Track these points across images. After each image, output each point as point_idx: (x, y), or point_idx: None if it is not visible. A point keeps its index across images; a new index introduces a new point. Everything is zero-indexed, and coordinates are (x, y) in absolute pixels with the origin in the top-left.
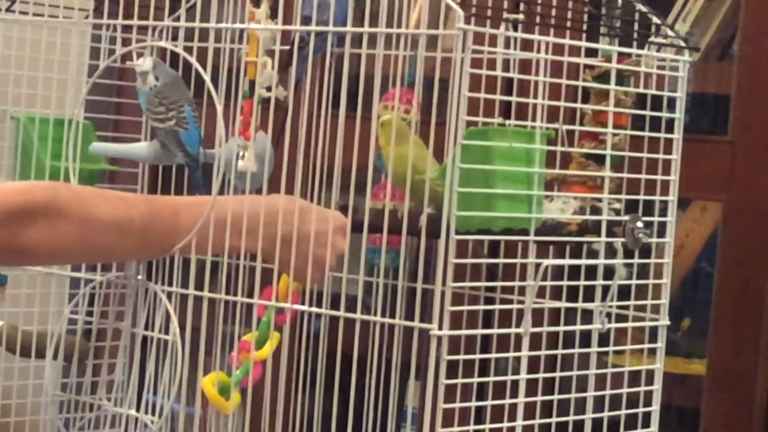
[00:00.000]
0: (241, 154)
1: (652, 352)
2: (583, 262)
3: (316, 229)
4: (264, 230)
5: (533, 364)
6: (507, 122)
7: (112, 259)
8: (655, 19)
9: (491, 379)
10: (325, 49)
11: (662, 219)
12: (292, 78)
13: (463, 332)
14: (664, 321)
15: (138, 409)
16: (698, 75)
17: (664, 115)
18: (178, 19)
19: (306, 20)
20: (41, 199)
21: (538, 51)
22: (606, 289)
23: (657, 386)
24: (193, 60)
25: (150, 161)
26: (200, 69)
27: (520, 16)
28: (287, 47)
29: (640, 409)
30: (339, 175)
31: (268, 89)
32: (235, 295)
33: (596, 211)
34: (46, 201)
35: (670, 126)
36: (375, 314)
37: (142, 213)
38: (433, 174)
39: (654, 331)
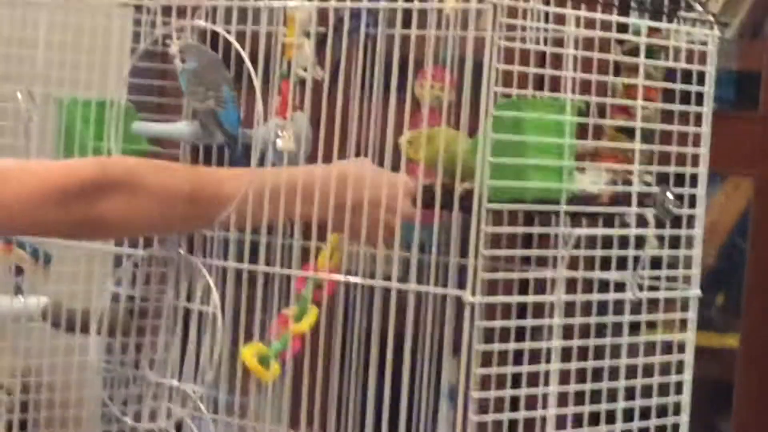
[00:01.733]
0: (279, 133)
1: (685, 324)
2: (615, 231)
3: (386, 194)
4: (335, 197)
5: (567, 334)
6: (539, 95)
7: (174, 230)
8: None
9: (525, 345)
10: (363, 28)
11: (692, 191)
12: (328, 58)
13: (496, 299)
14: (696, 292)
15: (180, 380)
16: (731, 53)
17: (693, 88)
18: None
19: None
20: (117, 172)
21: (570, 25)
22: (637, 260)
23: (689, 356)
24: (232, 40)
25: (191, 140)
26: (240, 49)
27: None
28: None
29: (672, 377)
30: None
31: (305, 69)
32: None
33: (627, 183)
34: (121, 174)
35: (699, 100)
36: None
37: (193, 183)
38: (466, 148)
39: (686, 303)
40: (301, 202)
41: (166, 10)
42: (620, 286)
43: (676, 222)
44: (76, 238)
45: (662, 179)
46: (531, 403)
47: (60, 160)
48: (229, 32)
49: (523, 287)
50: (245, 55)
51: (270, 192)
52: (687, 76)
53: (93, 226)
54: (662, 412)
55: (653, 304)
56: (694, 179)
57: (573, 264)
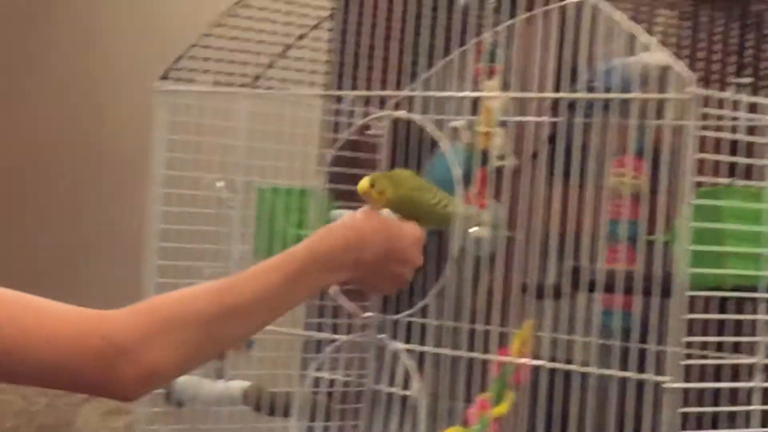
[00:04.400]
0: (475, 221)
1: None
2: None
3: (395, 247)
4: (351, 260)
5: (766, 420)
6: (734, 182)
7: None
8: None
9: None
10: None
11: None
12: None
13: (695, 385)
14: None
15: None
16: None
17: None
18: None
19: (591, 88)
20: (123, 337)
21: (766, 113)
22: None
23: None
24: (432, 129)
25: None
26: (439, 136)
27: (747, 80)
28: (523, 117)
29: None
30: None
31: (501, 158)
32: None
33: None
34: (138, 328)
35: None
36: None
37: (219, 296)
38: (435, 199)
39: None
40: (329, 270)
41: (365, 101)
42: None
43: None
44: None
45: None
46: None
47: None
48: (426, 121)
49: (717, 373)
50: (444, 143)
51: (299, 275)
52: None
53: (145, 383)
54: None
55: None
56: None
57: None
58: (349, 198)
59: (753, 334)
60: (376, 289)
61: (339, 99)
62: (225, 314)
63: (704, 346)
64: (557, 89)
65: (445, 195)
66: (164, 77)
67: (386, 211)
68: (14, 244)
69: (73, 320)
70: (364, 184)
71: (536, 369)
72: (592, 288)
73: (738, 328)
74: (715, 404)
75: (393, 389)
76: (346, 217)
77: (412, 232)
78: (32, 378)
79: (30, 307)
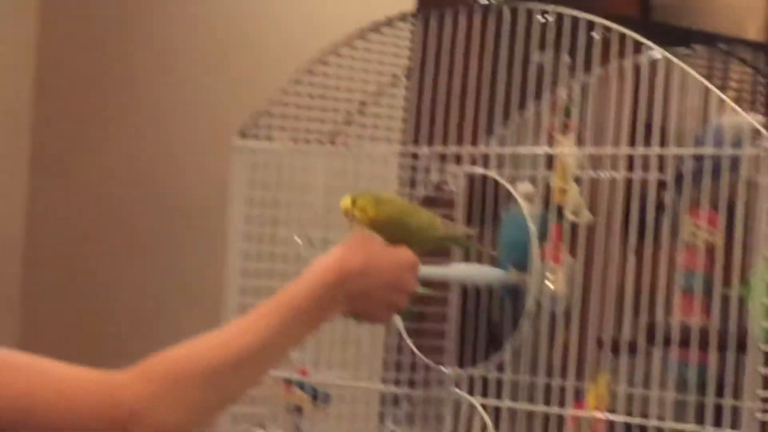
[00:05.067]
0: (550, 276)
1: None
2: None
3: (390, 276)
4: (347, 293)
5: None
6: None
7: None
8: None
9: None
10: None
11: None
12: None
13: None
14: None
15: None
16: None
17: None
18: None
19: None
20: (132, 401)
21: None
22: None
23: None
24: (507, 184)
25: (466, 282)
26: (515, 193)
27: None
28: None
29: None
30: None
31: (575, 214)
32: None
33: None
34: (139, 393)
35: None
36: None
37: (223, 349)
38: (423, 221)
39: None
40: (326, 306)
41: (441, 157)
42: None
43: None
44: None
45: None
46: None
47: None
48: (501, 177)
49: None
50: (521, 200)
51: (298, 315)
52: None
53: None
54: None
55: None
56: None
57: None
58: (426, 253)
59: None
60: (372, 318)
61: (415, 155)
62: (230, 366)
63: None
64: (632, 145)
65: (436, 217)
66: (242, 134)
67: (377, 238)
68: (90, 301)
69: (87, 387)
70: (345, 202)
71: (612, 423)
72: (667, 343)
73: None
74: None
75: None
76: (338, 248)
77: (406, 258)
78: None
79: (45, 376)
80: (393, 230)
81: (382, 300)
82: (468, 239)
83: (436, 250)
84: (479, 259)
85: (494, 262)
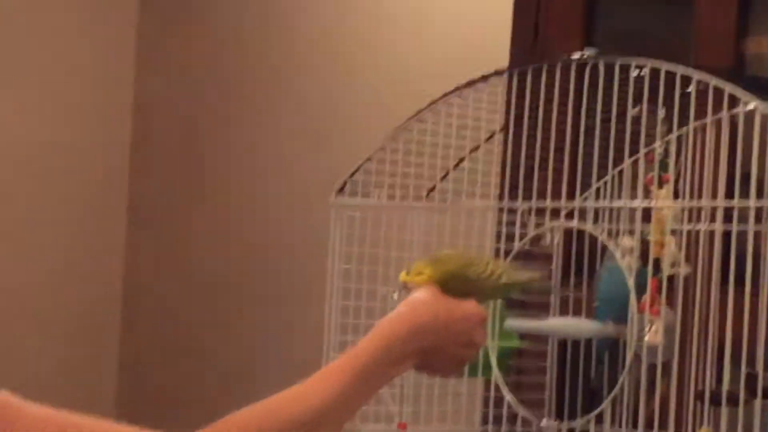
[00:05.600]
0: (648, 328)
1: None
2: None
3: (459, 330)
4: (417, 349)
5: None
6: None
7: None
8: None
9: None
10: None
11: None
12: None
13: None
14: None
15: None
16: None
17: None
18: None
19: None
20: None
21: None
22: None
23: None
24: (603, 238)
25: (562, 336)
26: (611, 247)
27: None
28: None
29: None
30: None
31: (673, 266)
32: None
33: None
34: None
35: None
36: None
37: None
38: (486, 271)
39: None
40: (396, 362)
41: (538, 212)
42: None
43: None
44: None
45: None
46: None
47: None
48: (598, 232)
49: None
50: (618, 255)
51: (367, 373)
52: None
53: None
54: None
55: None
56: None
57: None
58: (523, 307)
59: None
60: (441, 372)
61: (512, 210)
62: (305, 423)
63: None
64: (730, 197)
65: (499, 264)
66: (340, 191)
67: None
68: (188, 358)
69: None
70: (401, 275)
71: None
72: (767, 395)
73: None
74: None
75: None
76: (408, 304)
77: (475, 311)
78: None
79: None
80: (454, 284)
81: (451, 354)
82: (534, 283)
83: (511, 299)
84: (576, 313)
85: (590, 314)
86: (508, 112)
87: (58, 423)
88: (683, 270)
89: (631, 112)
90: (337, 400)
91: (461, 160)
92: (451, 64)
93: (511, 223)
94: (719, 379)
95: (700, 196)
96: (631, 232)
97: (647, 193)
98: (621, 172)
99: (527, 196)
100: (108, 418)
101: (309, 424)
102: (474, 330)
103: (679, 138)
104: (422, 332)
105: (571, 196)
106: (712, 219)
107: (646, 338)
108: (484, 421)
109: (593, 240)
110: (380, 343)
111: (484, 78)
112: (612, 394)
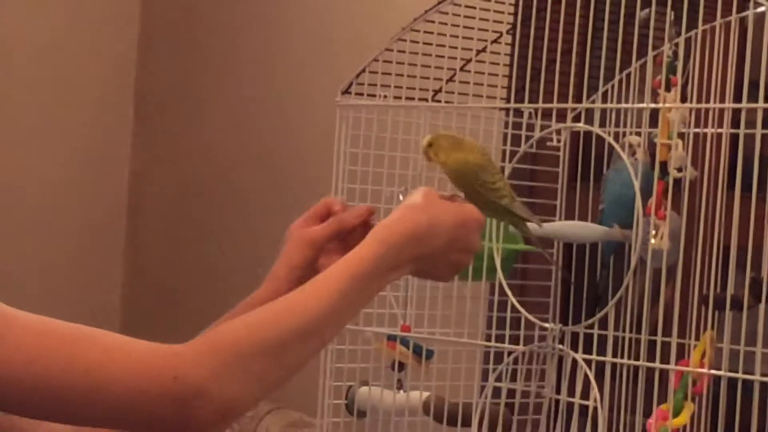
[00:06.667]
0: (654, 232)
1: None
2: None
3: (459, 236)
4: (415, 254)
5: None
6: None
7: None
8: None
9: None
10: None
11: None
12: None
13: None
14: None
15: None
16: None
17: None
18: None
19: None
20: (198, 377)
21: None
22: None
23: None
24: (611, 141)
25: (571, 240)
26: (619, 150)
27: None
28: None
29: None
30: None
31: (679, 170)
32: (652, 362)
33: None
34: (207, 372)
35: None
36: None
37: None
38: (495, 183)
39: None
40: (394, 267)
41: (545, 113)
42: None
43: None
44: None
45: None
46: None
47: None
48: (605, 134)
49: None
50: (625, 156)
51: (365, 279)
52: None
53: (221, 420)
54: None
55: None
56: None
57: None
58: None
59: None
60: (434, 277)
61: (518, 112)
62: (294, 337)
63: None
64: (738, 101)
65: (509, 188)
66: (346, 91)
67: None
68: (194, 258)
69: (143, 359)
70: (425, 140)
71: (716, 380)
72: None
73: None
74: None
75: (572, 399)
76: (403, 209)
77: (471, 216)
78: (101, 420)
79: (97, 344)
80: (460, 180)
81: (446, 260)
82: (524, 225)
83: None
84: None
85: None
86: (515, 14)
87: (55, 333)
88: (689, 174)
89: (640, 14)
90: (336, 306)
91: (468, 61)
92: None
93: (518, 125)
94: (724, 284)
95: (708, 100)
96: (638, 135)
97: (655, 97)
98: (629, 75)
99: (534, 99)
100: (113, 316)
101: (302, 334)
102: (470, 235)
103: (687, 40)
104: (418, 239)
105: (578, 98)
106: (720, 122)
107: (652, 242)
108: (488, 324)
109: (600, 143)
110: (378, 249)
111: None
112: (616, 298)
